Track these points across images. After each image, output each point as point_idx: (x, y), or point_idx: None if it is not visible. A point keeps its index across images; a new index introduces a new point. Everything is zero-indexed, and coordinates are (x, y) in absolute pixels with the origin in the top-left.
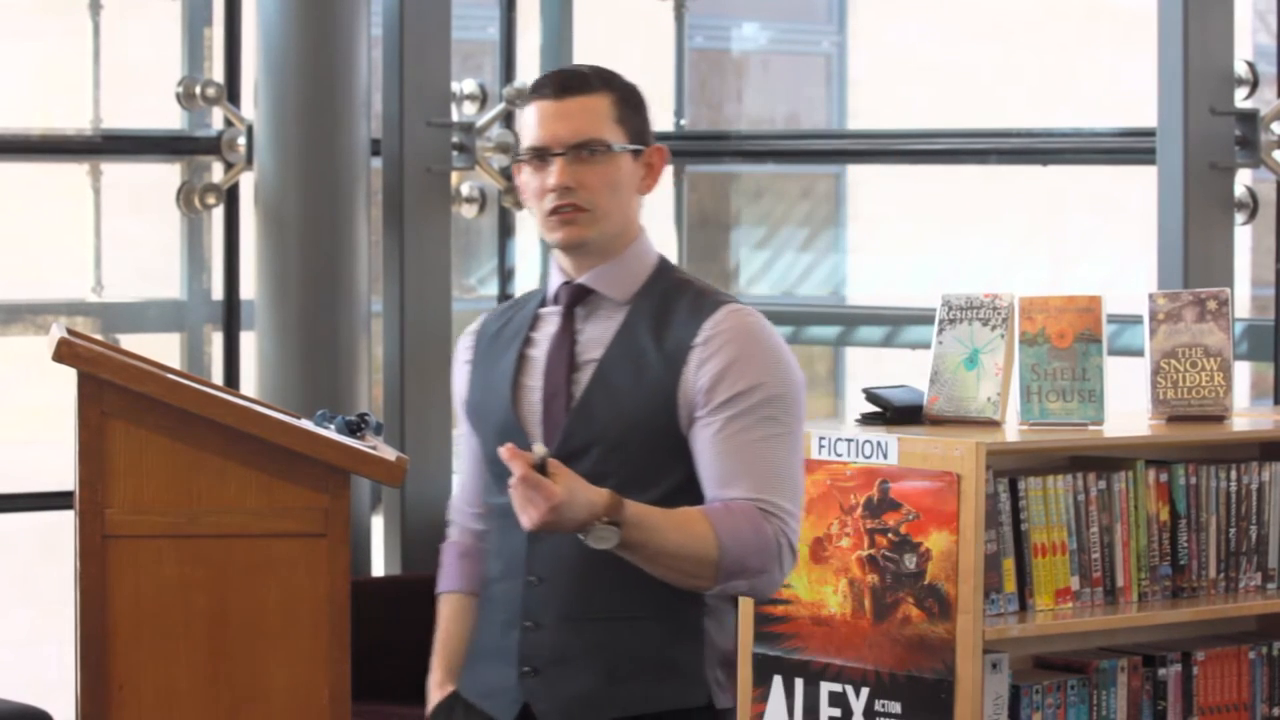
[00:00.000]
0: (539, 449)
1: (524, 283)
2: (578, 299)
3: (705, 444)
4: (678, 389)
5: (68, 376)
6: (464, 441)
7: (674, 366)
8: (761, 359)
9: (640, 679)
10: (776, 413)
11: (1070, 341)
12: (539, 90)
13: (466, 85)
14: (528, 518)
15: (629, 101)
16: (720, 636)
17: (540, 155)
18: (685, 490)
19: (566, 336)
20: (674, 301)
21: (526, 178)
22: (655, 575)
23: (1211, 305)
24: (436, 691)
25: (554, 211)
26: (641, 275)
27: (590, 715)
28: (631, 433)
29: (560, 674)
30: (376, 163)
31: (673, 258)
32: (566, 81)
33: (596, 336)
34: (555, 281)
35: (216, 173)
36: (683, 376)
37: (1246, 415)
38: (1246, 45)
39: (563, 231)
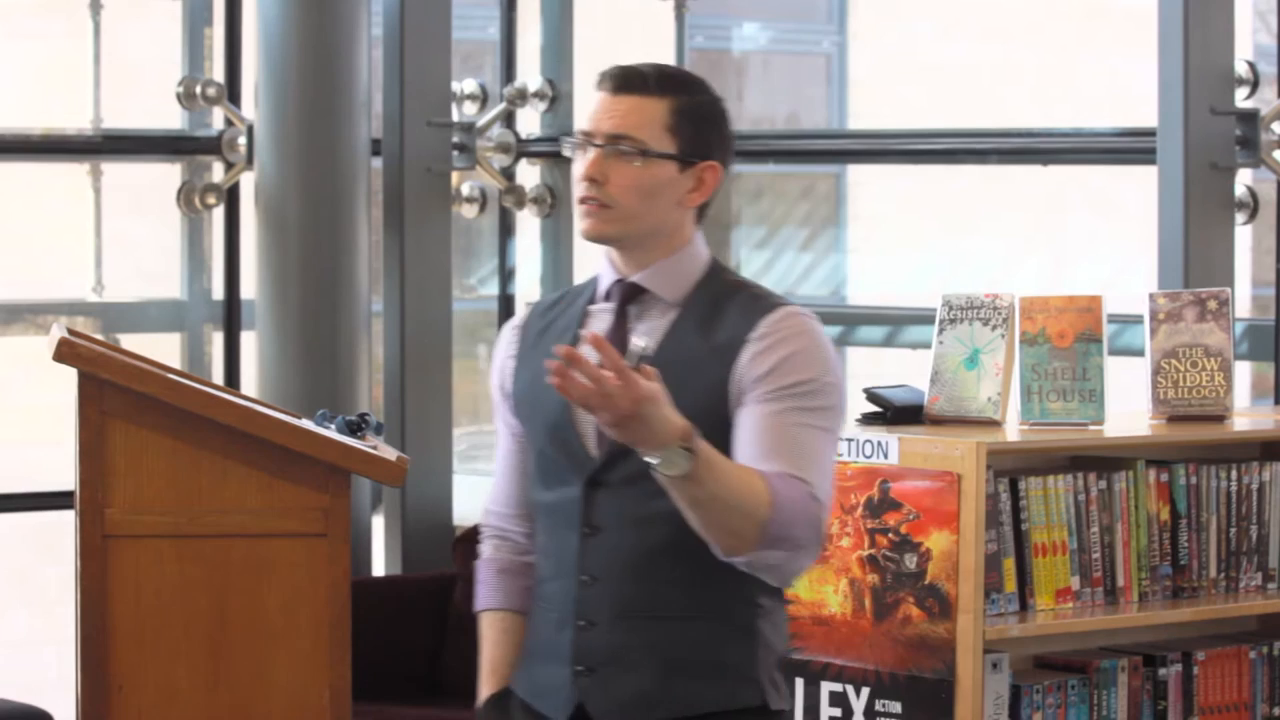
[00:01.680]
0: (639, 343)
1: (524, 283)
2: (630, 297)
3: (750, 421)
4: (729, 381)
5: (68, 376)
6: (502, 440)
7: (726, 360)
8: (817, 359)
9: (694, 678)
10: (823, 409)
11: (1071, 341)
12: (600, 80)
13: (466, 85)
14: (609, 413)
15: (692, 113)
16: (775, 637)
17: (583, 143)
18: None
19: (619, 335)
20: (726, 302)
21: (574, 165)
22: (698, 523)
23: (1212, 305)
24: (485, 688)
25: (581, 201)
26: (693, 276)
27: (644, 714)
28: None
29: (614, 673)
30: (376, 163)
31: None
32: (625, 78)
33: (648, 334)
34: (606, 279)
35: (217, 173)
36: (735, 368)
37: (1247, 415)
38: (1247, 45)
39: (584, 223)
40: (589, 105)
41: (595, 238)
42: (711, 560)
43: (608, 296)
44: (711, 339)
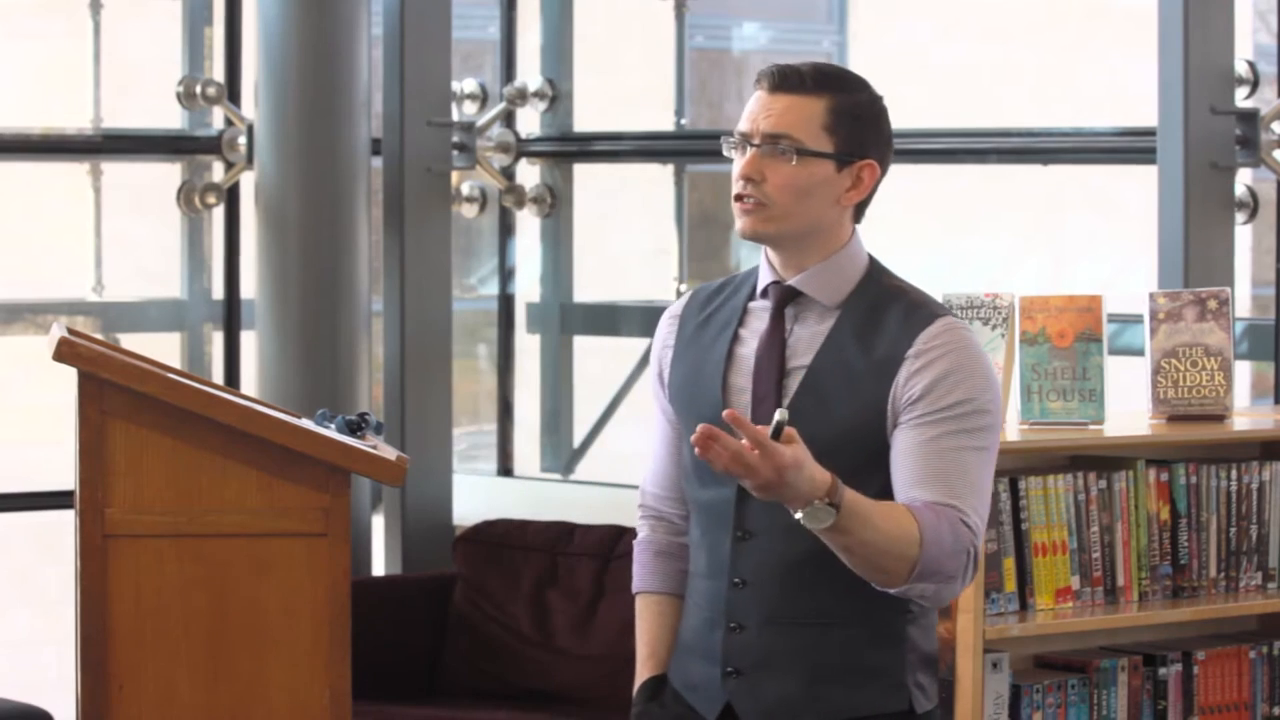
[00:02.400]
0: (781, 414)
1: (524, 283)
2: (787, 300)
3: (906, 445)
4: (887, 398)
5: (68, 376)
6: (659, 426)
7: (885, 376)
8: (975, 376)
9: (841, 684)
10: (981, 429)
11: (1071, 341)
12: (759, 80)
13: (466, 85)
14: (753, 480)
15: (849, 111)
16: (923, 640)
17: (740, 143)
18: (886, 498)
19: (776, 338)
20: (885, 310)
21: (734, 164)
22: (849, 564)
23: (1212, 305)
24: (642, 673)
25: (737, 199)
26: (852, 279)
27: (790, 718)
28: (839, 441)
29: (763, 677)
30: (376, 163)
31: (673, 257)
32: (783, 77)
33: (806, 340)
34: (766, 277)
35: (217, 172)
36: (893, 386)
37: (1247, 415)
38: (1247, 45)
39: (740, 221)
40: (747, 105)
41: (751, 236)
42: None
43: (765, 295)
44: (870, 352)
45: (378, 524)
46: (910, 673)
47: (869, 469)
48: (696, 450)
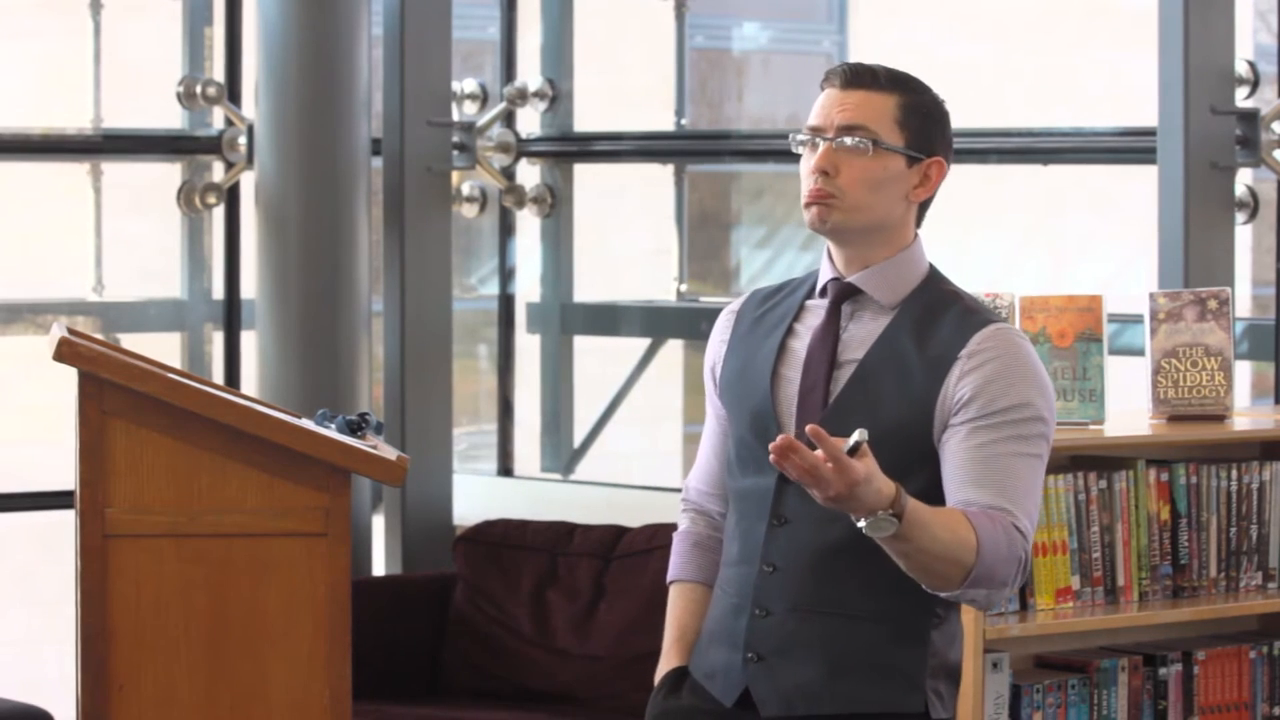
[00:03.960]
0: (861, 434)
1: (524, 283)
2: (844, 296)
3: (957, 449)
4: (937, 398)
5: (68, 376)
6: (709, 421)
7: (936, 376)
8: (1027, 380)
9: (860, 677)
10: (1033, 435)
11: (1071, 341)
12: (829, 78)
13: (466, 85)
14: (822, 491)
15: (918, 109)
16: (947, 648)
17: (813, 139)
18: (926, 498)
19: (830, 333)
20: (941, 312)
21: (802, 161)
22: (906, 569)
23: (1212, 305)
24: (665, 662)
25: (810, 194)
26: (911, 281)
27: (807, 707)
28: (885, 437)
29: (783, 663)
30: (376, 163)
31: (673, 257)
32: (855, 74)
33: (860, 337)
34: (825, 275)
35: (217, 172)
36: (944, 386)
37: (1247, 415)
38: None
39: (810, 211)
40: (816, 102)
41: (820, 227)
42: (893, 565)
43: (824, 293)
44: (924, 350)
45: (378, 524)
46: (930, 677)
47: (912, 468)
48: (772, 458)
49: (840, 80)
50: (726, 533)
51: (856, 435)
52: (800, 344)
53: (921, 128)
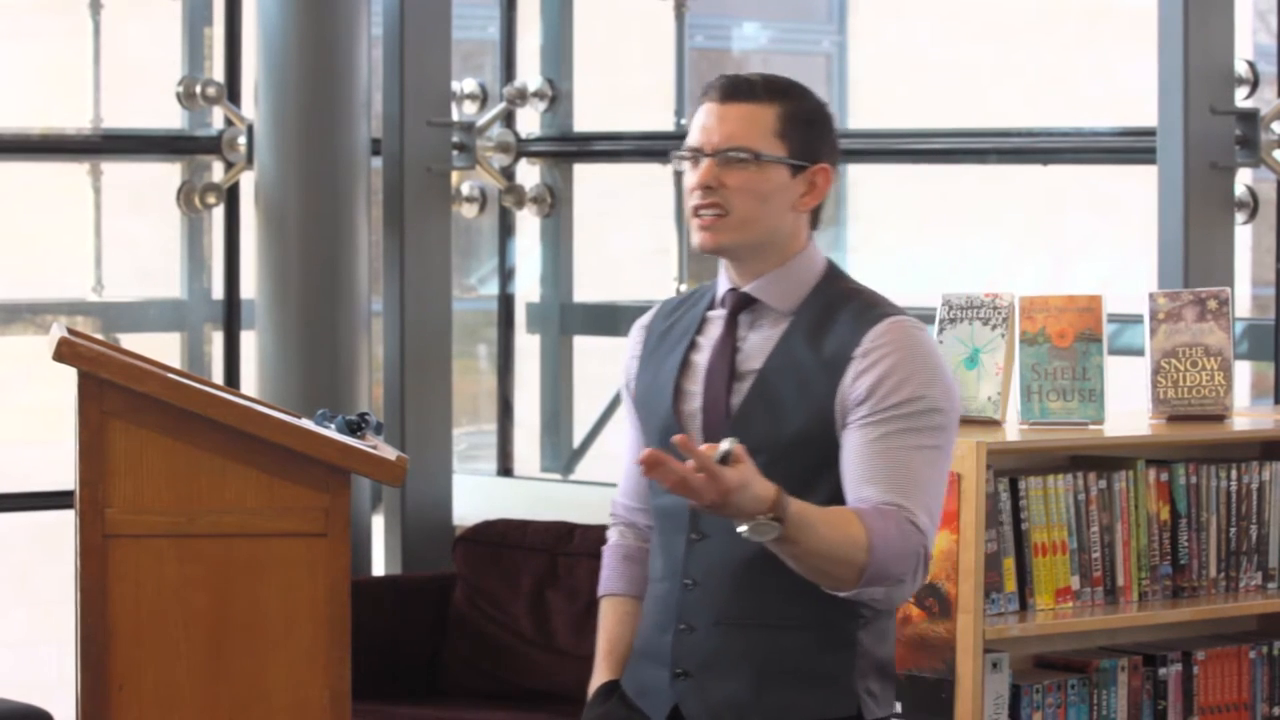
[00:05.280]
0: (729, 443)
1: (524, 283)
2: (741, 306)
3: (853, 446)
4: (835, 400)
5: (68, 376)
6: (631, 434)
7: (833, 378)
8: (922, 372)
9: (789, 687)
10: (931, 427)
11: (1071, 341)
12: (707, 91)
13: (466, 85)
14: (697, 499)
15: (799, 117)
16: (876, 646)
17: (694, 155)
18: (838, 502)
19: (728, 344)
20: (837, 311)
21: (685, 177)
22: (800, 572)
23: (1212, 305)
24: (597, 676)
25: (696, 212)
26: (807, 285)
27: None
28: (790, 445)
29: (710, 678)
30: (376, 163)
31: (673, 256)
32: (733, 87)
33: (758, 346)
34: (723, 286)
35: (217, 172)
36: (840, 387)
37: (1247, 415)
38: (1247, 45)
39: (700, 236)
40: (694, 117)
41: (712, 249)
42: None
43: (723, 303)
44: (819, 352)
45: (378, 524)
46: (861, 679)
47: (821, 472)
48: (642, 471)
49: (718, 94)
50: (652, 548)
51: (725, 444)
52: (702, 357)
53: (803, 136)
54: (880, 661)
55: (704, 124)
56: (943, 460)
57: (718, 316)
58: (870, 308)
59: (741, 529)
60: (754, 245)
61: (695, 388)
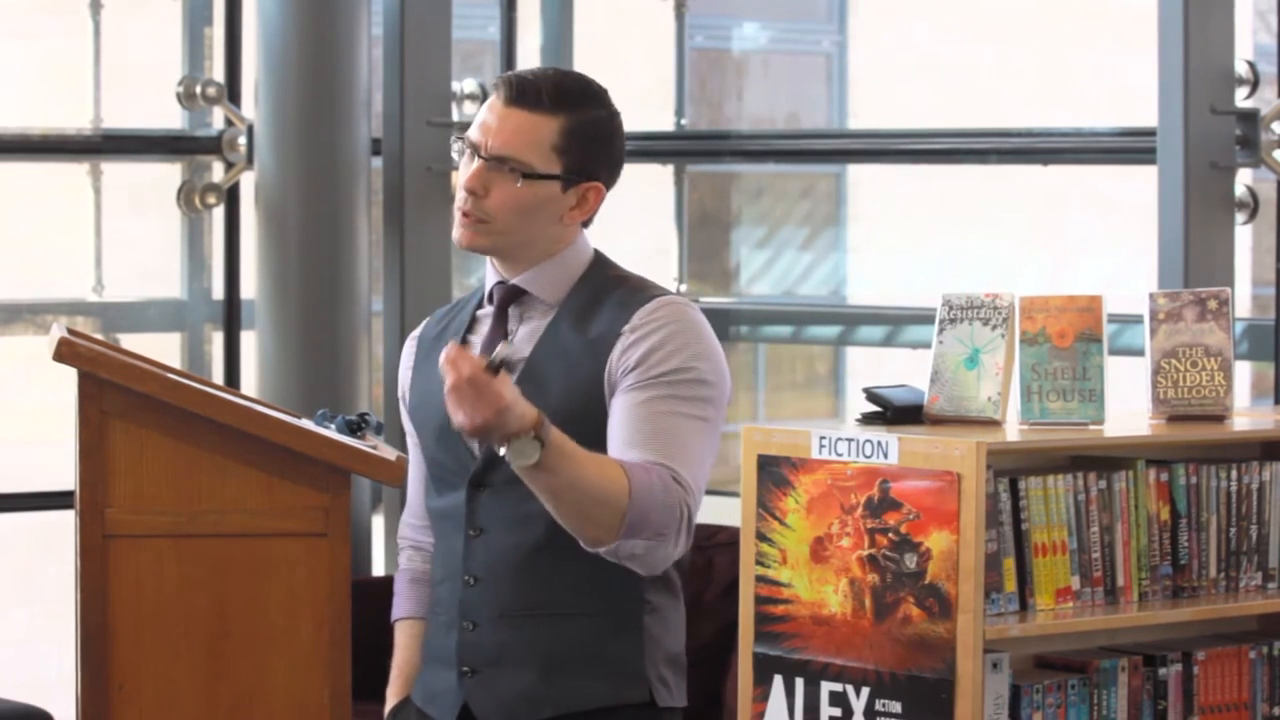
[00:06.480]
0: (503, 349)
1: None
2: (510, 299)
3: (619, 410)
4: (604, 376)
5: (68, 376)
6: (412, 453)
7: (600, 355)
8: (694, 345)
9: (577, 675)
10: (696, 398)
11: (1071, 341)
12: (498, 86)
13: (466, 85)
14: (466, 418)
15: (580, 132)
16: (664, 635)
17: (469, 151)
18: None
19: (498, 337)
20: (605, 295)
21: (460, 167)
22: (558, 515)
23: (1212, 305)
24: (389, 699)
25: (460, 210)
26: (574, 275)
27: (528, 713)
28: (564, 427)
29: (497, 673)
30: (376, 163)
31: (673, 257)
32: (521, 91)
33: (526, 337)
34: (490, 281)
35: (217, 172)
36: (609, 362)
37: (1247, 415)
38: (1247, 45)
39: (458, 233)
40: (481, 109)
41: (468, 247)
42: (593, 558)
43: (492, 299)
44: (586, 334)
45: (378, 524)
46: (651, 666)
47: (592, 450)
48: (442, 362)
49: (505, 94)
50: (434, 553)
51: (498, 350)
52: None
53: (583, 152)
54: (670, 652)
55: (485, 121)
56: (709, 433)
57: (487, 314)
58: (638, 290)
59: (502, 450)
60: (515, 247)
61: None
